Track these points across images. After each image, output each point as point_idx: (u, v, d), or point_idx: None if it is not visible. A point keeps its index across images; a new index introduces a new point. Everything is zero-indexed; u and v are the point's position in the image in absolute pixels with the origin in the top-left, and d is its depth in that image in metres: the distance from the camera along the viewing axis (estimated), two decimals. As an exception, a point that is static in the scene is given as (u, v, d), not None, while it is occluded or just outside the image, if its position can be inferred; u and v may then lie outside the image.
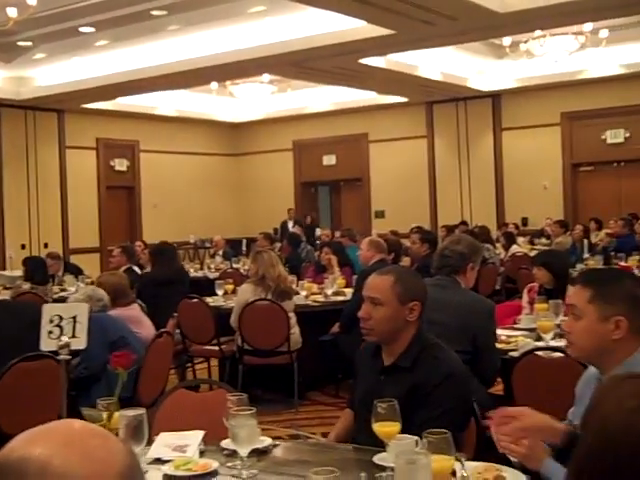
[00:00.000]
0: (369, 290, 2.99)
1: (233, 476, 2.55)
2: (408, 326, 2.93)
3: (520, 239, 12.62)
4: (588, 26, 12.12)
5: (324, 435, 5.37)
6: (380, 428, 2.51)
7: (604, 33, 12.49)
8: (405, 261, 8.85)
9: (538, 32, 12.42)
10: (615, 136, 15.88)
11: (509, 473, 2.39)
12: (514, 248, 10.77)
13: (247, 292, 6.52)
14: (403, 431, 2.55)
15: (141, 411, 2.52)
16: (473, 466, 2.42)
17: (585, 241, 10.27)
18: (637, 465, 1.27)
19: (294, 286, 7.56)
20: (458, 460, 2.37)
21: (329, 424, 3.25)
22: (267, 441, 2.85)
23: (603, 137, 16.02)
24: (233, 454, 2.64)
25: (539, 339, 4.70)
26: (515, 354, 4.39)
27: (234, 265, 11.19)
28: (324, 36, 11.44)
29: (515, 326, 5.39)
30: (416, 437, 2.44)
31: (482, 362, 4.12)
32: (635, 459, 1.28)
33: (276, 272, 6.50)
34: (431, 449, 2.24)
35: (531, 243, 12.08)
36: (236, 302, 6.65)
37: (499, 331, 4.79)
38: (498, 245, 11.61)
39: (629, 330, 2.38)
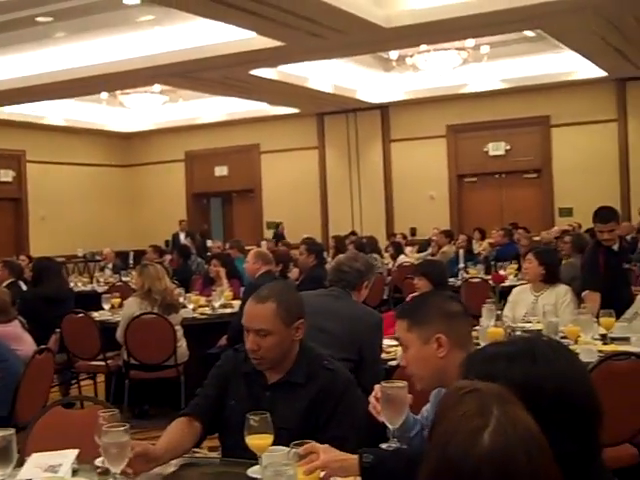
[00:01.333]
0: (253, 322, 2.89)
1: (104, 494, 2.53)
2: (295, 344, 2.94)
3: (408, 249, 12.91)
4: (470, 42, 12.56)
5: (211, 449, 5.37)
6: (252, 441, 2.50)
7: (485, 49, 12.97)
8: (293, 272, 8.93)
9: (423, 47, 12.78)
10: (497, 148, 16.50)
11: None
12: (401, 258, 11.00)
13: (133, 306, 6.46)
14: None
15: (9, 432, 2.47)
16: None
17: (461, 251, 10.59)
18: None
19: (182, 299, 7.53)
20: None
21: (216, 437, 3.23)
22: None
23: (485, 149, 16.62)
24: (106, 472, 2.62)
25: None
26: (394, 363, 4.51)
27: (123, 278, 11.01)
28: (214, 47, 11.44)
29: (394, 336, 5.51)
30: (288, 448, 2.48)
31: (366, 372, 4.19)
32: None
33: (162, 285, 6.46)
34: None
35: (419, 253, 12.36)
36: (122, 316, 6.58)
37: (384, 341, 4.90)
38: (386, 255, 11.85)
39: (451, 344, 2.48)
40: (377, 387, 2.53)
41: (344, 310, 4.31)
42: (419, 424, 2.66)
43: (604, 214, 6.26)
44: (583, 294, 6.46)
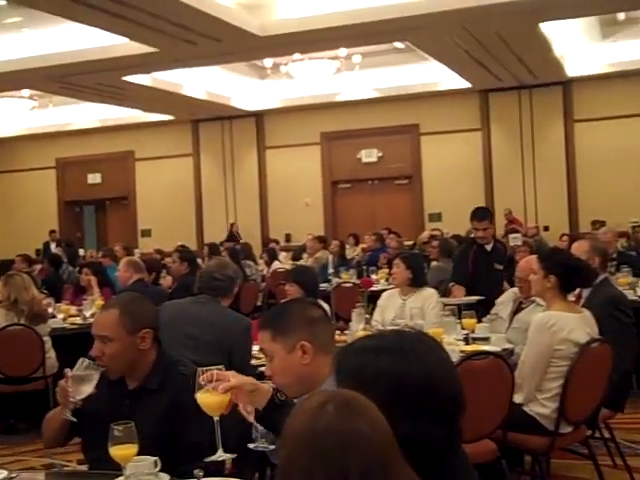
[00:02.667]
0: (96, 328, 2.94)
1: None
2: (144, 353, 2.93)
3: (283, 255, 13.01)
4: (343, 51, 12.81)
5: (80, 462, 5.28)
6: (116, 451, 2.48)
7: (357, 58, 13.26)
8: (167, 280, 8.87)
9: (297, 55, 12.94)
10: (369, 155, 16.87)
11: None
12: (276, 264, 11.08)
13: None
14: (171, 450, 2.59)
15: None
16: None
17: (330, 257, 10.77)
18: (327, 465, 1.34)
19: (51, 309, 7.35)
20: (196, 477, 2.42)
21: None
22: (2, 474, 2.77)
23: (358, 156, 16.96)
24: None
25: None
26: (264, 369, 4.57)
27: (-10, 289, 10.61)
28: (85, 51, 11.22)
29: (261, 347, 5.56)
30: (155, 458, 2.49)
31: None
32: (324, 459, 1.34)
33: (29, 295, 6.29)
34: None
35: (293, 260, 12.46)
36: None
37: (254, 347, 4.96)
38: (261, 261, 11.90)
39: (316, 351, 2.50)
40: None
41: (213, 316, 4.34)
42: None
43: (480, 213, 6.85)
44: (450, 285, 6.84)
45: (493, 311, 5.50)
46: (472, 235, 7.04)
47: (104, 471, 2.66)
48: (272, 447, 2.48)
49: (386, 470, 1.37)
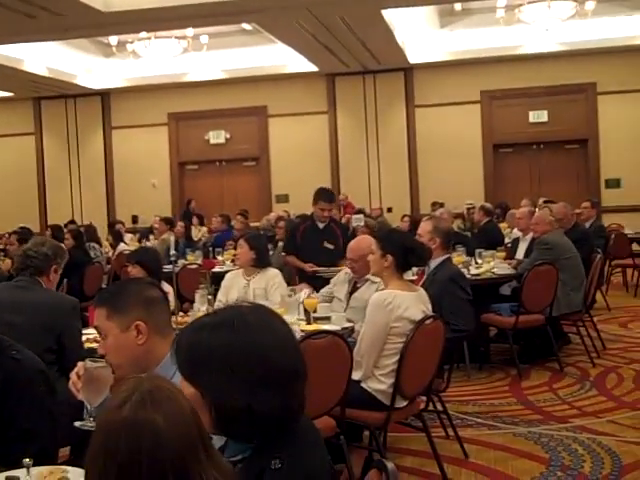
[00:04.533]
0: None
1: None
2: None
3: (129, 236, 12.78)
4: (190, 31, 12.68)
5: None
6: None
7: (205, 39, 13.16)
8: (7, 263, 8.55)
9: (143, 34, 12.70)
10: (217, 137, 16.81)
11: (75, 473, 2.41)
12: (122, 246, 10.87)
13: None
14: (3, 438, 2.55)
15: None
16: (38, 471, 2.41)
17: (172, 238, 10.70)
18: (119, 458, 1.35)
19: None
20: (25, 466, 2.36)
21: None
22: None
23: (207, 137, 16.87)
24: None
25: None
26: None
27: None
28: None
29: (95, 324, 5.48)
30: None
31: (68, 359, 4.08)
32: (117, 452, 1.36)
33: None
34: None
35: (139, 241, 12.28)
36: None
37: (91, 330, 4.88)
38: (106, 243, 11.66)
39: (151, 331, 2.50)
40: (80, 364, 2.50)
41: (35, 300, 4.18)
42: None
43: (330, 195, 7.34)
44: (282, 254, 7.43)
45: (326, 290, 5.63)
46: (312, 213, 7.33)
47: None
48: None
49: (186, 463, 1.38)
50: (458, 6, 14.03)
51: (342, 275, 5.54)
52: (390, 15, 11.95)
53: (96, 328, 2.64)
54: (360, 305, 4.97)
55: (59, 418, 2.86)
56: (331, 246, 7.09)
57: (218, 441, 1.76)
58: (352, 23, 11.74)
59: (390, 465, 2.01)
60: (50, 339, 4.03)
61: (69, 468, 2.46)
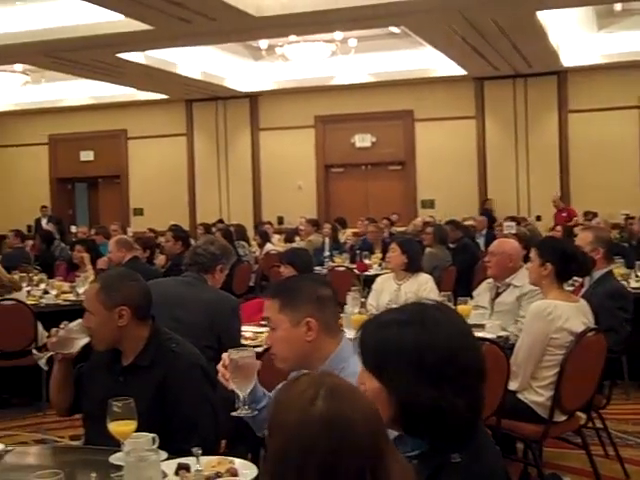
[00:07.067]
0: (84, 300, 3.06)
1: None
2: (127, 330, 2.94)
3: (276, 237, 13.00)
4: (338, 35, 12.74)
5: (73, 438, 5.29)
6: (115, 427, 2.49)
7: (353, 42, 13.19)
8: (160, 259, 8.85)
9: (293, 37, 12.87)
10: (363, 140, 16.83)
11: (241, 464, 2.48)
12: (269, 246, 11.06)
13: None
14: (167, 429, 2.59)
15: None
16: (207, 460, 2.49)
17: (327, 240, 10.76)
18: (319, 456, 1.35)
19: (44, 285, 7.35)
20: (195, 455, 2.46)
21: (79, 426, 3.20)
22: (-2, 447, 2.77)
23: (352, 141, 16.91)
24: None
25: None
26: (260, 350, 4.55)
27: (-20, 263, 10.58)
28: (80, 27, 11.12)
29: (262, 322, 5.55)
30: (153, 434, 2.49)
31: None
32: (315, 450, 1.35)
33: None
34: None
35: (286, 242, 12.45)
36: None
37: (247, 328, 4.94)
38: (254, 243, 11.89)
39: (320, 329, 2.51)
40: (225, 355, 2.54)
41: (199, 297, 4.27)
42: (267, 398, 2.65)
43: None
44: None
45: (472, 302, 5.50)
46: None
47: (101, 447, 2.66)
48: (255, 413, 2.53)
49: (379, 457, 1.39)
50: (618, 6, 13.44)
51: (484, 285, 5.44)
52: (545, 17, 11.60)
53: (266, 319, 2.66)
54: (504, 309, 4.95)
55: (219, 412, 2.92)
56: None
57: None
58: (505, 25, 11.47)
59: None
60: (210, 336, 4.11)
61: (236, 460, 2.50)
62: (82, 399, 3.05)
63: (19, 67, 14.35)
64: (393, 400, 1.69)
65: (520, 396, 4.04)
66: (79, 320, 2.90)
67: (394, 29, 13.86)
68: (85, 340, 2.90)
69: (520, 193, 15.72)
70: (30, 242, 12.21)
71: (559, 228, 11.50)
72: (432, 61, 14.77)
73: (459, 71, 14.95)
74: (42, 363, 2.94)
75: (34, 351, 3.08)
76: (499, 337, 4.58)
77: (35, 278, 7.82)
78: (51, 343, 2.89)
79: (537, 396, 4.01)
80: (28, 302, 6.48)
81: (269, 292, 2.71)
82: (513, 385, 4.00)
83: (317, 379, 1.45)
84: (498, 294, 5.17)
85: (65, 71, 14.47)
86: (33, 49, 11.92)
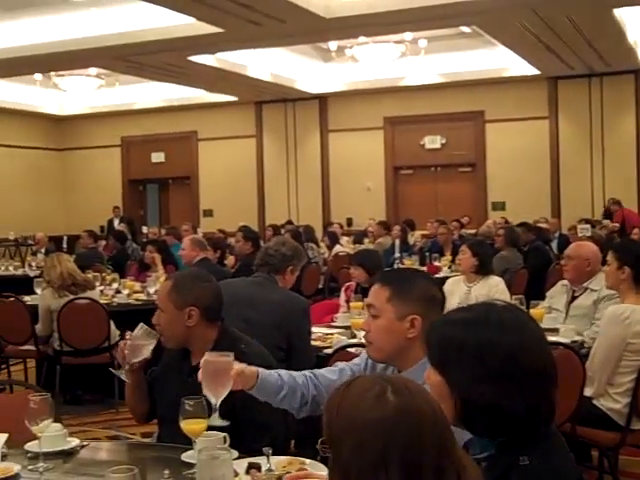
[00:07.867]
0: (157, 297, 3.12)
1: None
2: (196, 330, 2.97)
3: (344, 239, 12.97)
4: (408, 35, 12.66)
5: (144, 435, 5.35)
6: (187, 426, 2.51)
7: (423, 43, 13.09)
8: (230, 259, 8.91)
9: (362, 38, 12.83)
10: (433, 142, 16.69)
11: (312, 466, 2.46)
12: (337, 248, 11.05)
13: (47, 298, 6.32)
14: (238, 428, 2.60)
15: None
16: (277, 460, 2.50)
17: (397, 242, 10.70)
18: (400, 446, 1.36)
19: (116, 284, 7.47)
20: (265, 455, 2.46)
21: (151, 424, 3.23)
22: (74, 442, 2.81)
23: (422, 142, 16.78)
24: (36, 457, 2.60)
25: (354, 336, 4.81)
26: (329, 351, 4.51)
27: (55, 263, 10.81)
28: (152, 31, 11.31)
29: (332, 324, 5.54)
30: (224, 434, 2.49)
31: (297, 359, 4.20)
32: (396, 441, 1.37)
33: (57, 272, 6.26)
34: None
35: (354, 244, 12.42)
36: (40, 310, 6.40)
37: (316, 329, 4.92)
38: (322, 244, 11.89)
39: (422, 329, 2.39)
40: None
41: (269, 298, 4.26)
42: (286, 387, 2.62)
43: None
44: None
45: (545, 304, 5.39)
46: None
47: (173, 444, 2.70)
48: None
49: (450, 445, 1.43)
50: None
51: (559, 286, 5.31)
52: (622, 13, 11.32)
53: (369, 305, 2.59)
54: (580, 313, 4.86)
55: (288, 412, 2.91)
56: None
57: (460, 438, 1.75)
58: (580, 23, 11.23)
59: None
60: (280, 337, 4.10)
61: (307, 460, 2.50)
62: (157, 403, 3.08)
63: (93, 71, 14.65)
64: (454, 395, 1.71)
65: (596, 402, 3.95)
66: (141, 325, 2.92)
67: (465, 29, 13.71)
68: (153, 343, 2.92)
69: (595, 196, 15.36)
70: (103, 242, 12.45)
71: (637, 231, 11.17)
72: (504, 60, 14.56)
73: (532, 70, 14.71)
74: (125, 377, 2.96)
75: (112, 370, 3.11)
76: (574, 342, 4.47)
77: (108, 278, 7.94)
78: (126, 355, 2.90)
79: (613, 403, 3.92)
80: (101, 301, 6.59)
81: (380, 278, 2.61)
82: (589, 391, 3.92)
83: (379, 378, 1.48)
84: (574, 297, 5.06)
85: (138, 74, 14.74)
86: (107, 53, 12.17)
